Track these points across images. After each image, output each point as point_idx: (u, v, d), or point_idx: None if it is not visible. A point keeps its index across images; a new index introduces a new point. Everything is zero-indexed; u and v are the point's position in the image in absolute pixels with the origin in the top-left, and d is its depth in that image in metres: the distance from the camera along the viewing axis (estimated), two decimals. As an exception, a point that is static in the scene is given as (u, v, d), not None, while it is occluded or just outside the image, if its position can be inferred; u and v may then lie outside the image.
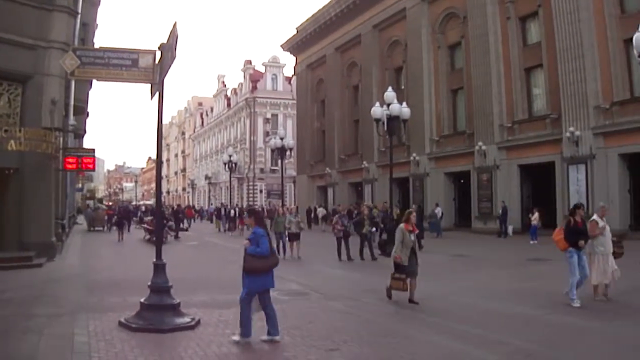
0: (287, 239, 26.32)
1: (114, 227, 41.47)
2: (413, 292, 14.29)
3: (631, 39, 16.87)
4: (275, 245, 26.12)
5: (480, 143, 41.75)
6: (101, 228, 47.73)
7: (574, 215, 14.17)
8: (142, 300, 11.61)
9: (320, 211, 55.10)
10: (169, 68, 11.92)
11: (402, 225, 14.63)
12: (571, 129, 34.90)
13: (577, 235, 13.82)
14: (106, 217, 48.46)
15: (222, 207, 56.22)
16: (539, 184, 39.58)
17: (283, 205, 39.11)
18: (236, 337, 10.29)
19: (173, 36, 11.73)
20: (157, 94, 12.22)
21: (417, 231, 15.10)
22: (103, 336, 10.59)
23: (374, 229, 27.60)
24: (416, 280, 14.34)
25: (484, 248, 30.95)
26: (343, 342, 10.37)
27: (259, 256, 10.24)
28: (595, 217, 14.48)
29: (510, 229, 37.67)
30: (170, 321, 11.25)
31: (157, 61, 12.34)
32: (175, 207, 55.91)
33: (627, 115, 33.09)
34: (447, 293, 16.18)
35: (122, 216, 42.00)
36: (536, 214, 33.26)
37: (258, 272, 10.27)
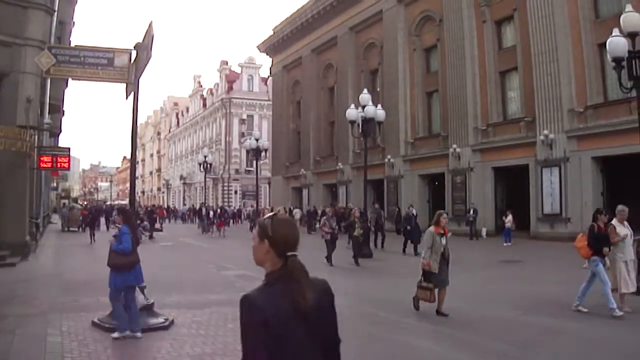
0: None
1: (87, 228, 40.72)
2: (442, 303, 13.07)
3: (605, 43, 17.01)
4: None
5: (454, 145, 41.92)
6: (76, 228, 47.08)
7: (597, 221, 13.20)
8: (115, 300, 11.60)
9: (297, 212, 54.96)
10: (145, 68, 11.90)
11: (431, 228, 13.33)
12: (545, 132, 35.13)
13: (602, 242, 12.92)
14: (81, 217, 47.79)
15: (204, 208, 54.21)
16: (513, 186, 39.82)
17: (256, 205, 38.95)
18: (115, 334, 10.42)
19: (149, 36, 11.71)
20: (132, 93, 12.19)
21: (449, 234, 13.63)
22: (76, 336, 10.58)
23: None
24: (446, 290, 13.13)
25: (458, 250, 30.82)
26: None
27: (121, 253, 10.55)
28: (614, 221, 13.45)
29: (484, 231, 37.78)
30: (144, 321, 11.23)
31: (132, 61, 12.32)
32: (150, 207, 55.64)
33: (600, 119, 33.35)
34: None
35: (94, 216, 41.12)
36: (510, 216, 33.38)
37: (119, 268, 10.55)
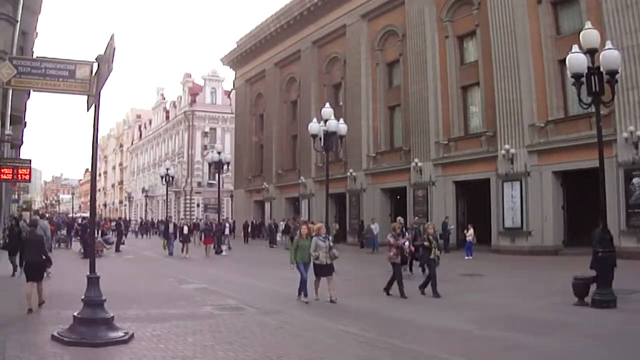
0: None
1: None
2: None
3: (565, 59, 17.19)
4: (299, 283, 17.49)
5: (416, 160, 42.08)
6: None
7: None
8: (75, 313, 11.44)
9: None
10: (106, 80, 11.87)
11: None
12: (506, 146, 35.40)
13: None
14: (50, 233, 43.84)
15: (171, 223, 43.63)
16: (474, 200, 40.03)
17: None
18: None
19: (110, 48, 11.69)
20: (93, 105, 12.13)
21: None
22: (36, 350, 10.43)
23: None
24: None
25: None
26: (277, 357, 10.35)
27: None
28: None
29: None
30: (104, 335, 11.13)
31: (94, 73, 12.26)
32: (122, 220, 55.23)
33: (561, 134, 33.70)
34: (380, 308, 16.23)
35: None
36: (471, 230, 33.54)
37: None
